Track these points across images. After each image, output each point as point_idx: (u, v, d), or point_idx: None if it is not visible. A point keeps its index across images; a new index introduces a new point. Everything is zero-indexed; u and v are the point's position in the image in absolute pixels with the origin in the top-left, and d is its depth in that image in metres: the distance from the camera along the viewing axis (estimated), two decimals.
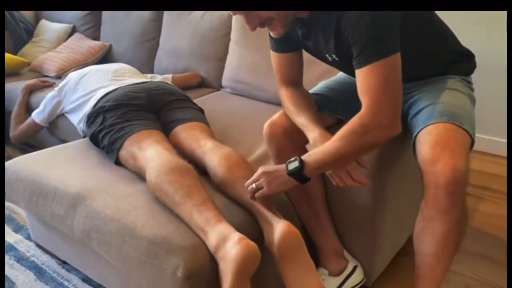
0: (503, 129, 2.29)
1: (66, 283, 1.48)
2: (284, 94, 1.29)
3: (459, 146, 1.02)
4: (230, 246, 0.98)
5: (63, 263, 1.57)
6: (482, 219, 1.80)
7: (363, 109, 1.02)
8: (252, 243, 0.99)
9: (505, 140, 2.30)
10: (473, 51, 1.29)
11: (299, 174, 1.07)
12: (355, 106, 1.32)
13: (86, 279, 1.49)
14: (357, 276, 1.37)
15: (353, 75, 1.28)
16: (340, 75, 1.44)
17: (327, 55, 1.18)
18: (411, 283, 1.18)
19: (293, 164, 1.08)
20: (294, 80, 1.31)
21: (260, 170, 1.12)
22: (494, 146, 2.32)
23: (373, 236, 1.34)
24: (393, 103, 1.02)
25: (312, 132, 1.18)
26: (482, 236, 1.70)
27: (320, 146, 1.11)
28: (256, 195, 1.13)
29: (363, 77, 1.02)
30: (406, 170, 1.37)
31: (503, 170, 2.17)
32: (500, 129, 2.30)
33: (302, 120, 1.21)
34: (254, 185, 1.13)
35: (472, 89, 1.26)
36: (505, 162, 2.26)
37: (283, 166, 1.10)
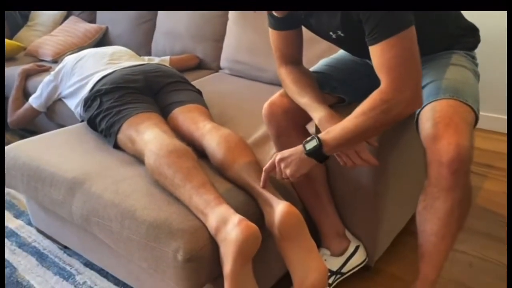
0: (504, 106, 2.26)
1: (68, 268, 1.48)
2: (284, 73, 1.26)
3: (463, 122, 1.00)
4: (230, 228, 0.97)
5: (65, 248, 1.57)
6: (485, 197, 1.79)
7: (384, 84, 0.99)
8: (253, 224, 0.98)
9: (505, 117, 2.27)
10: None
11: (318, 153, 1.04)
12: (356, 84, 1.31)
13: (88, 264, 1.49)
14: (359, 256, 1.36)
15: (357, 52, 1.27)
16: (341, 52, 1.41)
17: (330, 33, 1.14)
18: (414, 262, 1.17)
19: (311, 144, 1.05)
20: (294, 58, 1.27)
21: (275, 157, 1.10)
22: (497, 123, 2.29)
23: (375, 216, 1.32)
24: (414, 76, 0.98)
25: (317, 112, 1.15)
26: (484, 214, 1.69)
27: (327, 126, 1.09)
28: (282, 182, 1.11)
29: (380, 53, 0.98)
30: (409, 148, 1.35)
31: (505, 147, 2.15)
32: (501, 106, 2.27)
33: (306, 100, 1.18)
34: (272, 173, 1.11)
35: (476, 64, 1.23)
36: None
37: (299, 147, 1.07)
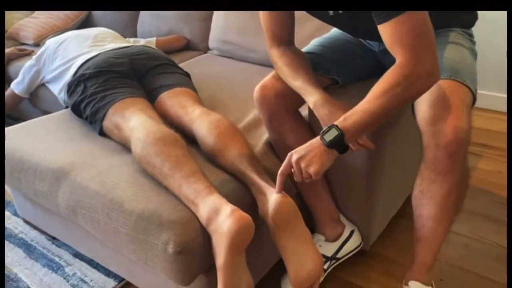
0: (502, 84, 2.23)
1: (57, 259, 1.44)
2: (276, 55, 1.20)
3: (461, 104, 0.96)
4: (222, 218, 0.93)
5: (53, 238, 1.53)
6: (480, 177, 1.77)
7: (402, 60, 0.92)
8: (246, 214, 0.94)
9: (504, 95, 2.24)
10: None
11: (340, 143, 0.95)
12: (350, 65, 1.26)
13: (77, 254, 1.45)
14: (354, 241, 1.34)
15: (354, 31, 1.21)
16: (334, 32, 1.35)
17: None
18: (410, 245, 1.15)
19: (331, 134, 0.95)
20: (285, 38, 1.22)
21: (291, 158, 0.99)
22: (492, 101, 2.26)
23: (370, 199, 1.30)
24: (431, 46, 0.93)
25: (311, 95, 1.09)
26: (480, 194, 1.67)
27: (322, 110, 1.03)
28: (307, 181, 1.01)
29: (393, 30, 0.91)
30: (404, 131, 1.31)
31: (502, 126, 2.13)
32: (499, 84, 2.23)
33: (299, 83, 1.12)
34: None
35: (474, 42, 1.19)
36: (504, 117, 2.21)
37: (314, 141, 0.98)
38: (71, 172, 1.18)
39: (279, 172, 1.02)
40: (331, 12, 1.07)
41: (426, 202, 1.05)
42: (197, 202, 0.98)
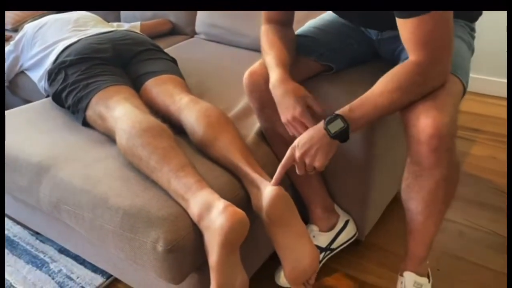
0: (495, 68, 2.20)
1: (41, 256, 1.39)
2: (263, 30, 1.15)
3: (445, 95, 0.91)
4: (215, 215, 0.89)
5: (37, 234, 1.47)
6: (472, 163, 1.75)
7: (419, 59, 0.88)
8: (239, 210, 0.90)
9: (497, 79, 2.22)
10: None
11: (344, 134, 0.92)
12: (345, 51, 1.20)
13: (63, 250, 1.40)
14: (349, 231, 1.31)
15: (360, 20, 1.14)
16: (330, 14, 1.29)
17: None
18: (405, 234, 1.12)
19: (336, 125, 0.91)
20: (278, 19, 1.15)
21: (295, 153, 0.96)
22: (485, 85, 2.23)
23: (364, 189, 1.26)
24: (449, 49, 0.89)
25: (272, 73, 1.04)
26: (472, 180, 1.65)
27: (278, 90, 1.00)
28: (310, 174, 1.00)
29: (415, 27, 0.86)
30: (397, 119, 1.27)
31: (494, 111, 2.11)
32: (493, 68, 2.20)
33: (269, 59, 1.07)
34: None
35: (473, 37, 1.15)
36: (496, 102, 2.19)
37: (317, 132, 0.93)
38: (53, 166, 1.12)
39: (280, 165, 0.99)
40: None
41: (414, 196, 1.01)
42: (187, 197, 0.93)
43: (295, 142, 0.97)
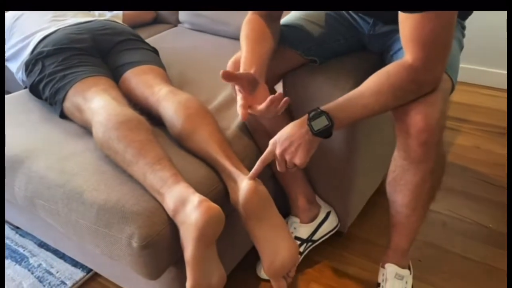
0: (478, 57, 2.19)
1: (21, 250, 1.37)
2: (247, 19, 1.10)
3: (437, 92, 0.90)
4: (190, 209, 0.87)
5: (16, 228, 1.45)
6: (457, 153, 1.75)
7: (414, 62, 0.85)
8: (214, 205, 0.88)
9: (481, 68, 2.21)
10: None
11: (327, 132, 0.90)
12: (332, 46, 1.17)
13: (42, 244, 1.38)
14: (330, 223, 1.30)
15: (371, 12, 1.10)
16: None
17: None
18: (388, 226, 1.12)
19: (320, 122, 0.89)
20: (269, 13, 1.10)
21: (275, 150, 0.93)
22: (468, 74, 2.23)
23: (347, 180, 1.25)
24: (448, 53, 0.86)
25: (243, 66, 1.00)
26: (457, 170, 1.65)
27: None
28: (291, 171, 0.97)
29: (417, 23, 0.82)
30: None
31: (480, 100, 2.10)
32: (480, 57, 2.19)
33: (242, 54, 1.02)
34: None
35: (463, 35, 1.13)
36: (480, 91, 2.18)
37: (298, 127, 0.91)
38: (28, 159, 1.10)
39: (259, 159, 0.96)
40: None
41: (400, 189, 1.01)
42: (163, 191, 0.92)
43: (276, 137, 0.95)
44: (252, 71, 0.96)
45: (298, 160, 0.92)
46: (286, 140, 0.92)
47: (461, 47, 1.11)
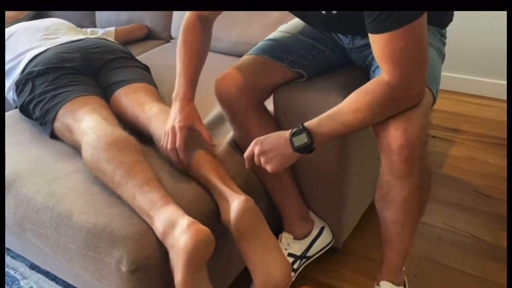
0: (471, 66, 2.20)
1: (12, 272, 1.35)
2: (186, 23, 1.14)
3: (417, 107, 0.90)
4: (179, 233, 0.86)
5: (7, 249, 1.43)
6: (451, 164, 1.74)
7: (391, 80, 0.85)
8: (204, 228, 0.87)
9: (473, 78, 2.22)
10: None
11: (307, 148, 0.93)
12: (317, 58, 1.17)
13: (34, 266, 1.36)
14: (325, 238, 1.29)
15: (346, 32, 1.11)
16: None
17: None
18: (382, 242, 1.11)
19: (301, 139, 0.92)
20: (210, 19, 1.15)
21: (255, 148, 0.96)
22: (461, 84, 2.23)
23: (340, 195, 1.25)
24: (424, 66, 0.86)
25: (179, 82, 1.12)
26: (451, 182, 1.64)
27: (178, 105, 1.08)
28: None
29: (386, 44, 0.82)
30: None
31: (472, 110, 2.10)
32: (472, 67, 2.20)
33: (180, 64, 1.14)
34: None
35: (444, 43, 1.13)
36: (473, 100, 2.19)
37: (282, 140, 0.94)
38: (17, 182, 1.08)
39: (244, 155, 1.00)
40: (323, 12, 0.96)
41: (387, 206, 1.01)
42: (152, 214, 0.91)
43: (262, 138, 0.97)
44: (189, 99, 1.11)
45: (270, 167, 0.95)
46: (267, 145, 0.95)
47: (442, 56, 1.11)
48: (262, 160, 0.96)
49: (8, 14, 2.39)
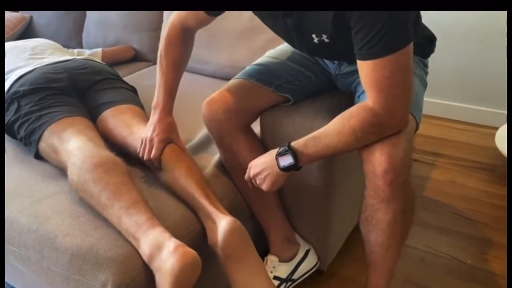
0: (451, 92, 2.27)
1: None
2: (169, 30, 1.16)
3: (401, 133, 0.92)
4: (165, 255, 0.86)
5: None
6: (433, 187, 1.78)
7: (375, 105, 0.87)
8: (191, 251, 0.87)
9: (454, 103, 2.28)
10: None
11: (294, 168, 0.98)
12: (304, 83, 1.20)
13: None
14: (310, 261, 1.30)
15: (333, 58, 1.14)
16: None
17: (313, 35, 0.98)
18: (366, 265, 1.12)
19: (286, 160, 0.96)
20: (195, 27, 1.17)
21: (249, 171, 1.04)
22: (443, 109, 2.30)
23: (325, 217, 1.26)
24: (408, 95, 0.89)
25: (159, 95, 1.18)
26: (433, 205, 1.68)
27: (157, 116, 1.15)
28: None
29: (371, 71, 0.85)
30: None
31: (453, 134, 2.16)
32: (451, 92, 2.27)
33: (160, 76, 1.19)
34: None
35: (426, 73, 1.17)
36: (454, 125, 2.24)
37: (270, 159, 0.99)
38: None
39: (245, 177, 1.06)
40: (315, 39, 0.98)
41: (372, 229, 1.02)
42: (138, 236, 0.90)
43: (252, 162, 1.04)
44: (168, 111, 1.18)
45: (265, 187, 1.02)
46: (257, 166, 1.02)
47: (424, 84, 1.15)
48: (257, 181, 1.02)
49: None
